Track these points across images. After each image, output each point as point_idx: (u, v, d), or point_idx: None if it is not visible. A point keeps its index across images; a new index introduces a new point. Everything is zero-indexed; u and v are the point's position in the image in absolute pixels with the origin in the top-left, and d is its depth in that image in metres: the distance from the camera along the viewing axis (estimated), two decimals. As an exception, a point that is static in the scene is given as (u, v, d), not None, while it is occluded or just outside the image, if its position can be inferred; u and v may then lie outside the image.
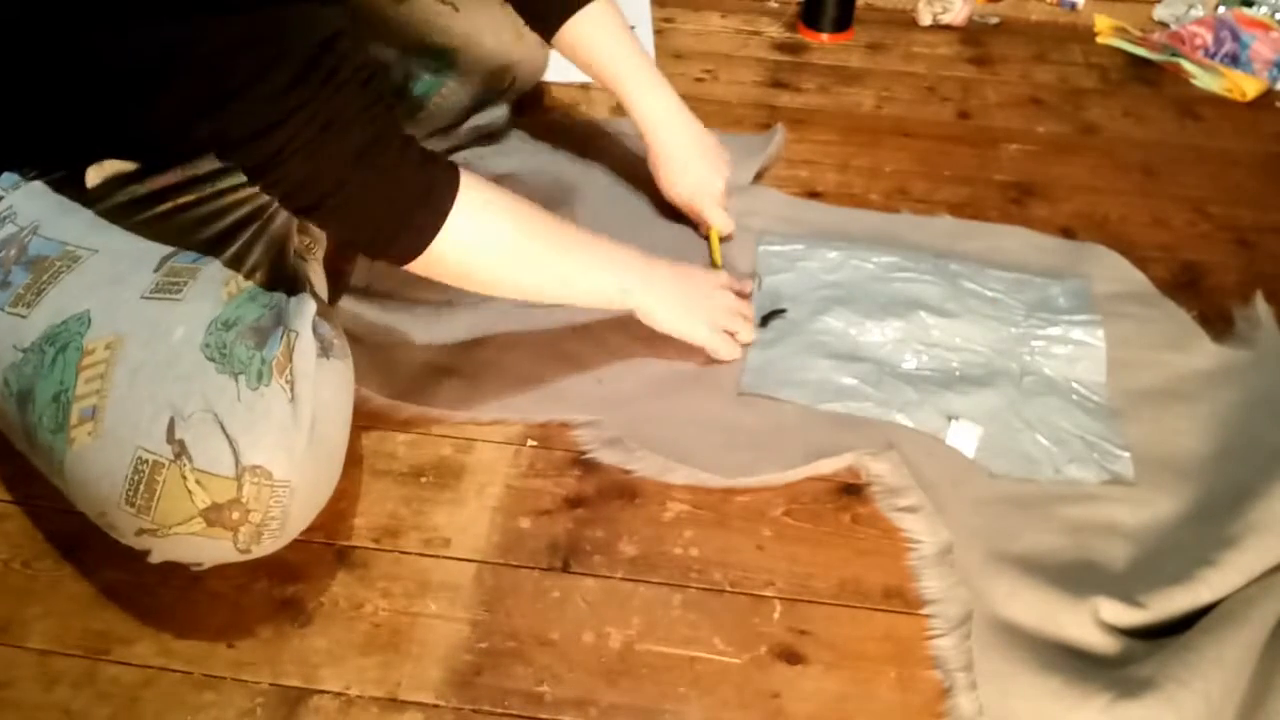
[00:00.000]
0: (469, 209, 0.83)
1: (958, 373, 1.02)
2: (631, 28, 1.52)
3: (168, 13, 0.68)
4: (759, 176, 1.28)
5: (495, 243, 0.86)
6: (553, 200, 1.19)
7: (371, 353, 1.00)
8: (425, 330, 1.04)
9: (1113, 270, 1.15)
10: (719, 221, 1.14)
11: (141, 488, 0.72)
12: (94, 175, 0.83)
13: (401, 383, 0.99)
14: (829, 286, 1.10)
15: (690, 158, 1.12)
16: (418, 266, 0.84)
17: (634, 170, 1.24)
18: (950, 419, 0.96)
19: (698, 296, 1.01)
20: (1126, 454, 0.95)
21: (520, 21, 1.22)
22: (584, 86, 1.43)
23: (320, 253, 0.97)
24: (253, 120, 0.72)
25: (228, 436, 0.72)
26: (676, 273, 1.01)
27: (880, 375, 1.01)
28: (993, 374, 1.02)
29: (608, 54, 1.08)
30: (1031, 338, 1.05)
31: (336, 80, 0.73)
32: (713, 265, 1.12)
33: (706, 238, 1.15)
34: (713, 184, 1.13)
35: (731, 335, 1.02)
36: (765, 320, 1.07)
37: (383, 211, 0.80)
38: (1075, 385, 1.01)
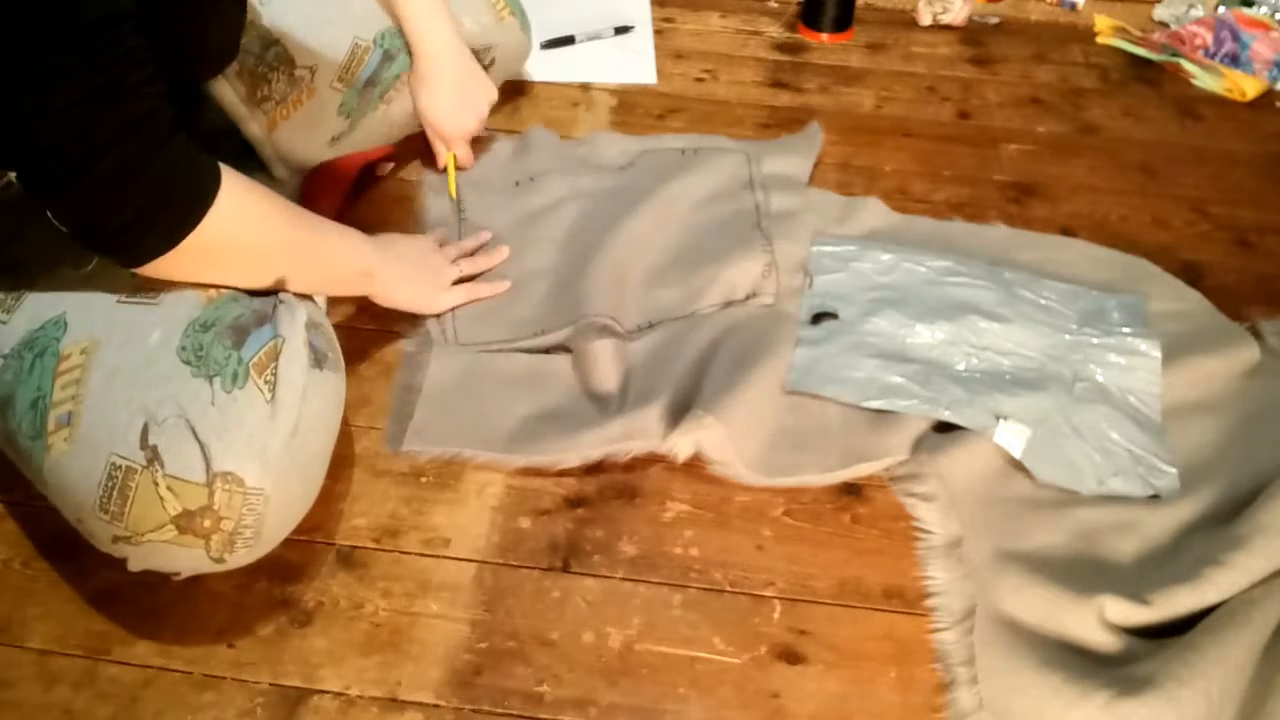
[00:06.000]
0: (230, 202, 0.76)
1: (1008, 375, 1.01)
2: (628, 28, 1.54)
3: None
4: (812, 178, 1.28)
5: (250, 239, 0.80)
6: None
7: (465, 408, 0.98)
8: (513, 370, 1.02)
9: (1168, 289, 1.14)
10: (462, 154, 1.19)
11: (115, 494, 0.71)
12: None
13: (503, 436, 0.96)
14: (881, 288, 1.09)
15: (450, 87, 1.14)
16: (164, 263, 0.75)
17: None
18: (999, 418, 0.95)
19: (430, 272, 1.04)
20: (1174, 470, 0.94)
21: (501, 4, 1.22)
22: (584, 87, 1.43)
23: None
24: (16, 72, 0.64)
25: (199, 442, 0.71)
26: (405, 254, 1.03)
27: (929, 375, 1.00)
28: (1044, 378, 1.00)
29: None
30: (1087, 345, 1.04)
31: (117, 51, 0.67)
32: (449, 194, 1.19)
33: (444, 170, 1.20)
34: (466, 117, 1.16)
35: (462, 282, 1.07)
36: (816, 320, 1.07)
37: (141, 196, 0.71)
38: (1129, 396, 1.00)
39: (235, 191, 0.77)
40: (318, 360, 0.79)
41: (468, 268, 1.08)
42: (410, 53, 1.13)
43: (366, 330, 1.05)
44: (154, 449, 0.71)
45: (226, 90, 1.01)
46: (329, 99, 1.09)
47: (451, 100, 1.15)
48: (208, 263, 0.78)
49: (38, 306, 0.78)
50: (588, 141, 1.30)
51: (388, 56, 1.13)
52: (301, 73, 1.08)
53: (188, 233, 0.74)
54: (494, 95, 1.18)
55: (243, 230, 0.79)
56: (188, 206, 0.74)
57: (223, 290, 0.79)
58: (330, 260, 0.91)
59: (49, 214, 0.72)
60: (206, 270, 0.79)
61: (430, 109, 1.15)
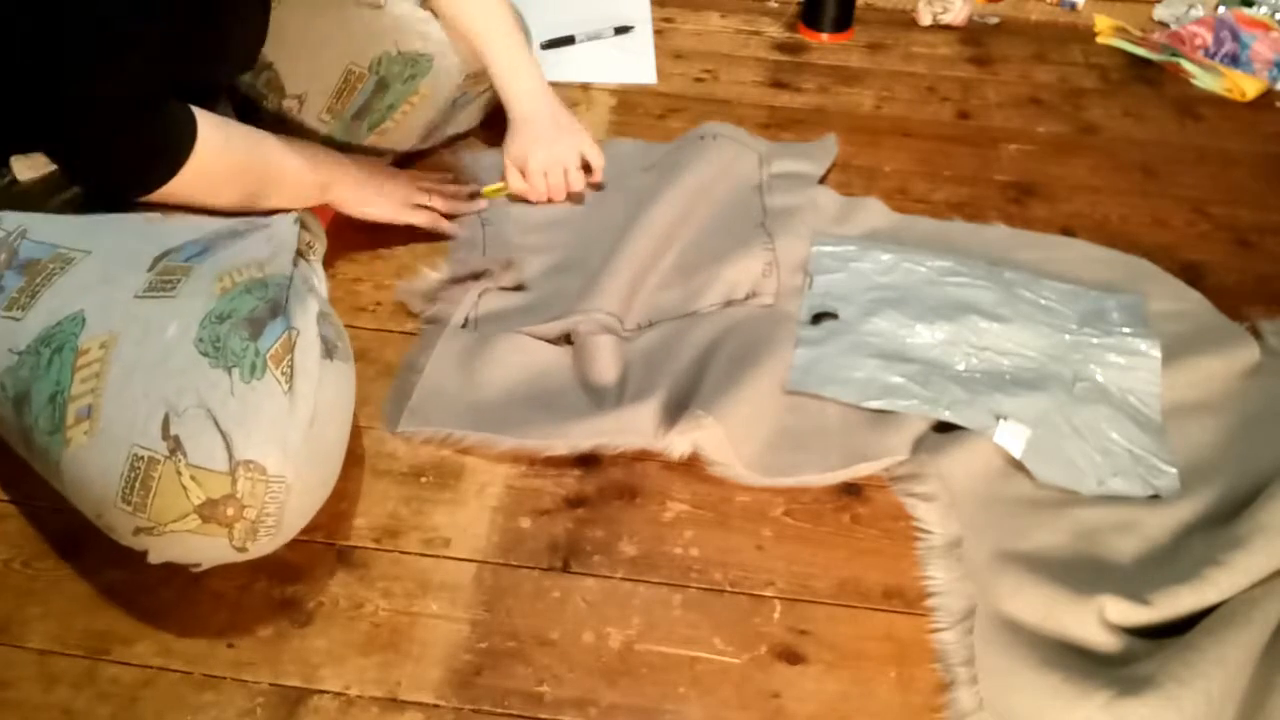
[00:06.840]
0: (205, 146, 0.90)
1: (1008, 375, 1.01)
2: (628, 28, 1.54)
3: None
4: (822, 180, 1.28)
5: (229, 170, 0.94)
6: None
7: (461, 391, 0.99)
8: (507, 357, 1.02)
9: (1168, 289, 1.13)
10: (522, 188, 1.19)
11: (137, 485, 0.72)
12: (23, 168, 0.86)
13: (495, 419, 0.96)
14: (881, 288, 1.09)
15: (542, 138, 1.17)
16: (162, 195, 0.90)
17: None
18: (999, 418, 0.95)
19: (382, 182, 1.10)
20: (1174, 469, 0.94)
21: None
22: (584, 87, 1.43)
23: (321, 252, 0.97)
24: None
25: (221, 431, 0.72)
26: (362, 164, 1.09)
27: (929, 375, 1.00)
28: (1044, 378, 1.00)
29: (483, 28, 1.15)
30: (1086, 345, 1.03)
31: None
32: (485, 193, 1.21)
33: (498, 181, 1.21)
34: (554, 169, 1.18)
35: (429, 209, 1.14)
36: (816, 320, 1.07)
37: (134, 152, 0.87)
38: (1129, 396, 1.00)
39: (210, 137, 0.91)
40: (328, 350, 0.80)
41: (439, 204, 1.14)
42: (506, 106, 1.17)
43: (366, 330, 1.06)
44: (176, 439, 0.72)
45: (227, 110, 1.04)
46: (314, 129, 1.11)
47: (545, 152, 1.16)
48: (199, 189, 0.91)
49: (54, 303, 0.78)
50: (609, 148, 1.29)
51: (381, 85, 1.13)
52: (290, 103, 1.09)
53: (177, 170, 0.89)
54: (587, 143, 1.19)
55: (220, 161, 0.93)
56: (171, 155, 0.89)
57: (236, 281, 0.80)
58: (288, 179, 1.00)
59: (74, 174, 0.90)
60: (198, 194, 0.92)
61: (522, 160, 1.17)
